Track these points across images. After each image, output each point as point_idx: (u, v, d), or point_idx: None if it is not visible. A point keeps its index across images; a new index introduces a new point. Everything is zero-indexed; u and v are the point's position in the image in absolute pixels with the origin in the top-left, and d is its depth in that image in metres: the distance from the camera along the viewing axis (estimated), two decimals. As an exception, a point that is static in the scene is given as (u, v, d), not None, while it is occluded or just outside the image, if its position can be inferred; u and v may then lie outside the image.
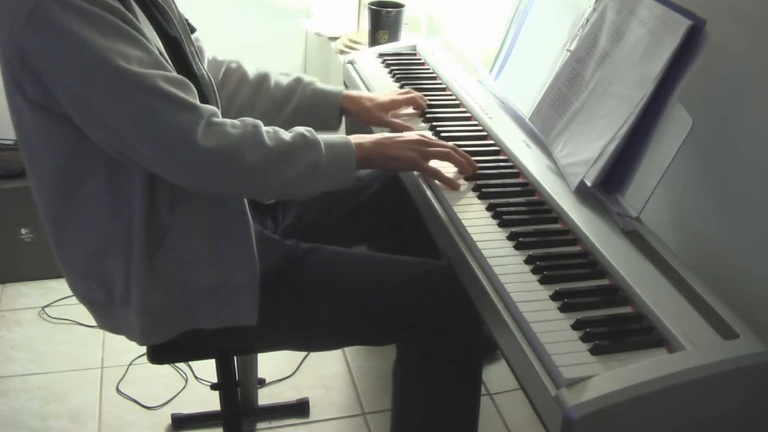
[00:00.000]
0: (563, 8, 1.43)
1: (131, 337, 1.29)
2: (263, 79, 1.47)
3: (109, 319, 1.30)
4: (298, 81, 1.48)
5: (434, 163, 1.29)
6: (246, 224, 1.24)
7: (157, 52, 1.10)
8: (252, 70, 1.48)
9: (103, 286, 1.24)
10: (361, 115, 1.48)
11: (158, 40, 1.17)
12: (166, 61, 1.13)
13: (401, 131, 1.42)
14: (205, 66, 1.33)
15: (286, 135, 1.17)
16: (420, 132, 1.36)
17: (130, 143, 1.08)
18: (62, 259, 1.26)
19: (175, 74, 1.10)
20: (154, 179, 1.17)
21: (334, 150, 1.19)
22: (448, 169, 1.30)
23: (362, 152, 1.22)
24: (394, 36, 2.03)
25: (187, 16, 1.32)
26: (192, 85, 1.12)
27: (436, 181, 1.28)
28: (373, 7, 2.03)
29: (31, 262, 2.33)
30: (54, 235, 1.23)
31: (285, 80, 1.48)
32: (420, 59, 1.81)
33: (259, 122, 1.16)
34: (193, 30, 1.36)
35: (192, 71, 1.22)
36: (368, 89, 1.66)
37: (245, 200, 1.25)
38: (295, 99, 1.46)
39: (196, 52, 1.27)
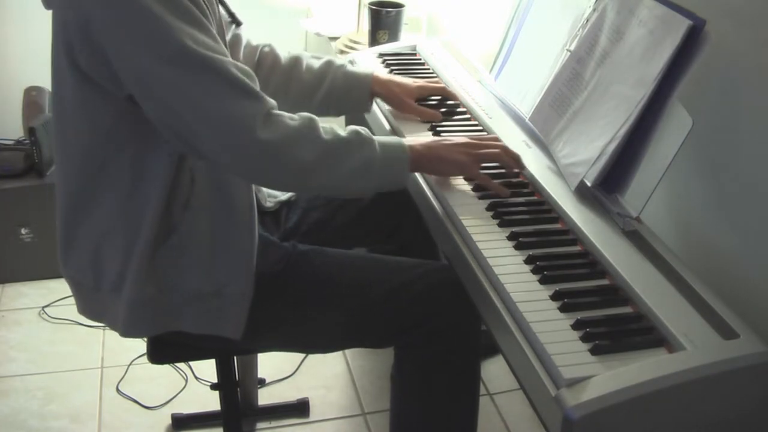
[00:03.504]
0: (563, 8, 1.43)
1: (113, 327, 1.29)
2: (295, 63, 1.50)
3: (92, 304, 1.30)
4: (329, 64, 1.50)
5: None
6: (251, 239, 1.24)
7: (222, 45, 1.11)
8: (284, 53, 1.51)
9: (93, 270, 1.24)
10: (389, 100, 1.51)
11: None
12: None
13: (426, 120, 1.49)
14: (241, 55, 1.38)
15: (341, 131, 1.17)
16: (467, 134, 1.34)
17: (189, 125, 1.08)
18: (63, 234, 1.26)
19: (243, 65, 1.11)
20: (178, 173, 1.18)
21: (387, 149, 1.19)
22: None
23: (414, 154, 1.22)
24: (394, 36, 2.03)
25: None
26: (256, 77, 1.13)
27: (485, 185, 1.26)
28: (373, 7, 2.03)
29: (31, 262, 2.33)
30: (65, 209, 1.23)
31: (316, 64, 1.50)
32: (420, 59, 1.81)
33: (316, 117, 1.16)
34: (239, 24, 1.40)
35: None
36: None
37: (255, 214, 1.25)
38: (327, 83, 1.48)
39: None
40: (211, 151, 1.11)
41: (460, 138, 1.29)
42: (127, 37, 1.05)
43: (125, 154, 1.17)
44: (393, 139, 1.23)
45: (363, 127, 1.20)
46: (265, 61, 1.49)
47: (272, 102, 1.12)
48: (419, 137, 1.43)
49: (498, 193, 1.25)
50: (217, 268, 1.23)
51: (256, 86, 1.11)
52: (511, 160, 1.28)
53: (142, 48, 1.05)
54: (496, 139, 1.31)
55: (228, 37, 1.41)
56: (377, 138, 1.20)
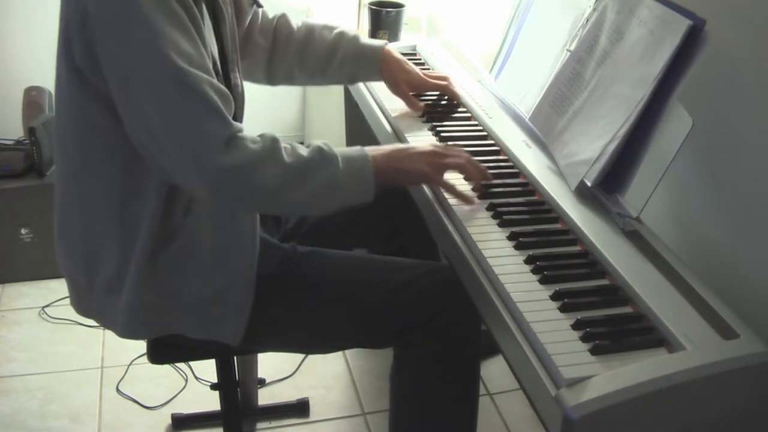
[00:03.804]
0: (563, 8, 1.43)
1: (108, 326, 1.29)
2: (308, 34, 1.51)
3: (84, 301, 1.30)
4: (341, 36, 1.52)
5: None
6: (252, 246, 1.24)
7: (206, 57, 1.10)
8: (296, 23, 1.53)
9: (87, 269, 1.24)
10: (389, 82, 1.53)
11: (215, 43, 1.18)
12: (215, 66, 1.15)
13: (415, 110, 1.52)
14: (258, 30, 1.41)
15: (303, 151, 1.16)
16: (434, 143, 1.31)
17: (155, 135, 1.08)
18: (58, 232, 1.26)
19: (219, 84, 1.10)
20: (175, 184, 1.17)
21: (350, 165, 1.18)
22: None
23: (378, 167, 1.20)
24: (394, 36, 2.04)
25: None
26: (231, 100, 1.13)
27: (448, 196, 1.25)
28: (373, 7, 2.03)
29: (31, 262, 2.33)
30: (61, 206, 1.24)
31: (329, 36, 1.52)
32: (420, 59, 1.81)
33: (277, 138, 1.15)
34: (260, 5, 1.43)
35: (230, 79, 1.24)
36: (368, 89, 1.66)
37: (257, 221, 1.25)
38: (339, 56, 1.50)
39: (238, 61, 1.29)
40: (173, 168, 1.10)
41: (425, 146, 1.26)
42: (115, 36, 1.05)
43: (120, 157, 1.16)
44: (357, 151, 1.20)
45: (326, 143, 1.18)
46: (280, 32, 1.50)
47: (238, 126, 1.11)
48: (420, 139, 1.44)
49: (464, 202, 1.23)
50: (218, 274, 1.23)
51: (228, 109, 1.10)
52: (476, 171, 1.26)
53: (126, 49, 1.05)
54: (461, 151, 1.28)
55: (249, 17, 1.44)
56: (341, 153, 1.18)
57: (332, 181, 1.16)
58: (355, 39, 1.51)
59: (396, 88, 1.53)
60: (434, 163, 1.24)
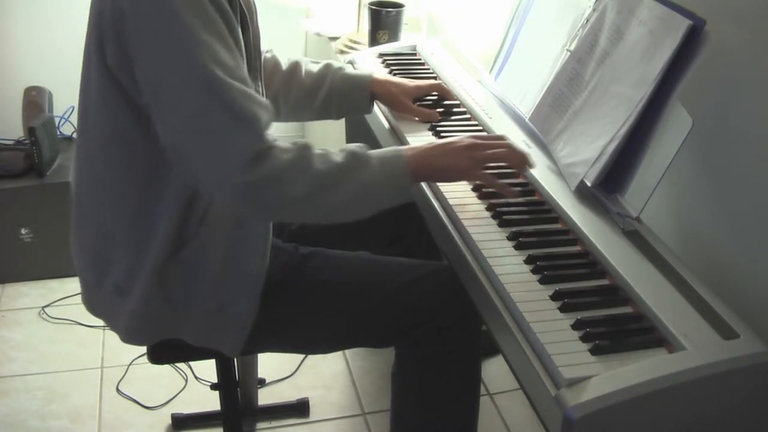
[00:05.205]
0: (563, 8, 1.43)
1: (113, 328, 1.29)
2: (295, 68, 1.51)
3: (94, 300, 1.30)
4: (327, 67, 1.51)
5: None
6: (262, 263, 1.24)
7: (242, 66, 1.09)
8: (284, 59, 1.52)
9: (97, 268, 1.24)
10: (387, 100, 1.52)
11: (244, 51, 1.17)
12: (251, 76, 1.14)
13: (424, 120, 1.49)
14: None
15: (336, 156, 1.12)
16: (472, 134, 1.26)
17: (184, 145, 1.06)
18: (73, 225, 1.26)
19: (259, 97, 1.08)
20: (195, 192, 1.16)
21: (385, 166, 1.14)
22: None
23: (414, 165, 1.16)
24: (394, 36, 2.03)
25: None
26: (272, 111, 1.10)
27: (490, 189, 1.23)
28: (373, 7, 2.03)
29: (31, 262, 2.32)
30: (75, 202, 1.24)
31: (315, 68, 1.51)
32: (420, 59, 1.81)
33: (310, 145, 1.11)
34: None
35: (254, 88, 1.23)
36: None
37: (269, 241, 1.24)
38: (326, 85, 1.49)
39: (261, 69, 1.28)
40: (202, 181, 1.08)
41: (463, 140, 1.20)
42: (150, 42, 1.03)
43: (141, 162, 1.15)
44: (391, 152, 1.17)
45: (361, 146, 1.15)
46: (266, 66, 1.48)
47: (271, 138, 1.08)
48: (420, 139, 1.44)
49: (505, 194, 1.21)
50: (224, 286, 1.23)
51: (268, 121, 1.08)
52: (519, 157, 1.22)
53: (161, 56, 1.03)
54: (501, 138, 1.24)
55: None
56: (375, 155, 1.14)
57: (367, 185, 1.12)
58: (342, 69, 1.51)
59: (398, 104, 1.50)
60: (473, 157, 1.19)
